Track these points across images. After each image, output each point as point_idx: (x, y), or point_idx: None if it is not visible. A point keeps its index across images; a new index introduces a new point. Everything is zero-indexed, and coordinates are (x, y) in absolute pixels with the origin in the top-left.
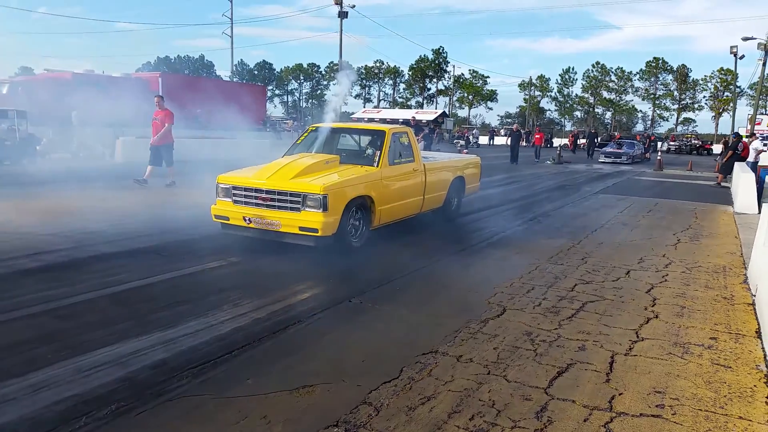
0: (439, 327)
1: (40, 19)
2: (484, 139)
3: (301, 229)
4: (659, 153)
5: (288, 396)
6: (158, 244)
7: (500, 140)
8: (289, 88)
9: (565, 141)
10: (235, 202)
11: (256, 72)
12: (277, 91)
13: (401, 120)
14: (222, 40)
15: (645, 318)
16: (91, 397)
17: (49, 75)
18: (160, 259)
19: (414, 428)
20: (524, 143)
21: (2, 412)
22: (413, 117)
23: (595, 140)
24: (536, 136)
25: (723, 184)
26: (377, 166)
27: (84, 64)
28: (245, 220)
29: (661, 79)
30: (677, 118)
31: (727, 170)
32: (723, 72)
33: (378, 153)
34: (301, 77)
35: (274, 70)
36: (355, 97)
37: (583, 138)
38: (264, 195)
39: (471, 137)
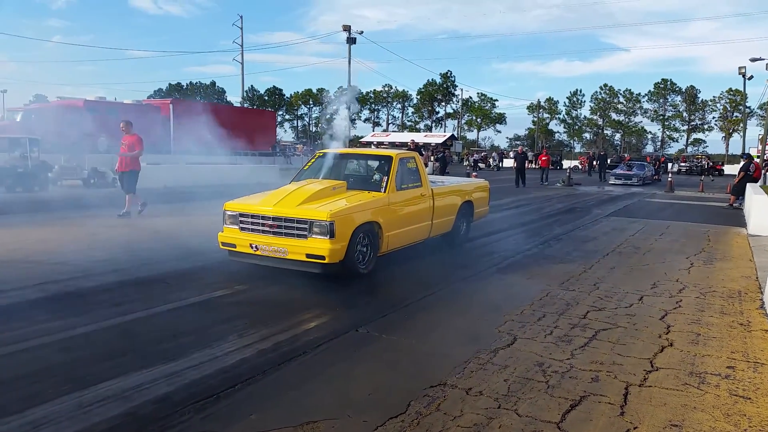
0: (448, 357)
1: (53, 48)
2: (507, 162)
3: (308, 256)
4: (670, 174)
5: None
6: (165, 272)
7: (510, 162)
8: (299, 113)
9: (576, 163)
10: (242, 229)
11: (266, 98)
12: (287, 116)
13: (399, 143)
14: (233, 66)
15: (659, 346)
16: None
17: (62, 102)
18: (166, 287)
19: None
20: (532, 165)
21: None
22: (412, 140)
23: (606, 162)
24: (542, 158)
25: (735, 205)
26: (385, 191)
27: (96, 91)
28: (252, 247)
29: (669, 100)
30: (687, 139)
31: (739, 191)
32: (732, 92)
33: (385, 178)
34: (311, 102)
35: (284, 95)
36: (364, 121)
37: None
38: (271, 222)
39: (492, 160)
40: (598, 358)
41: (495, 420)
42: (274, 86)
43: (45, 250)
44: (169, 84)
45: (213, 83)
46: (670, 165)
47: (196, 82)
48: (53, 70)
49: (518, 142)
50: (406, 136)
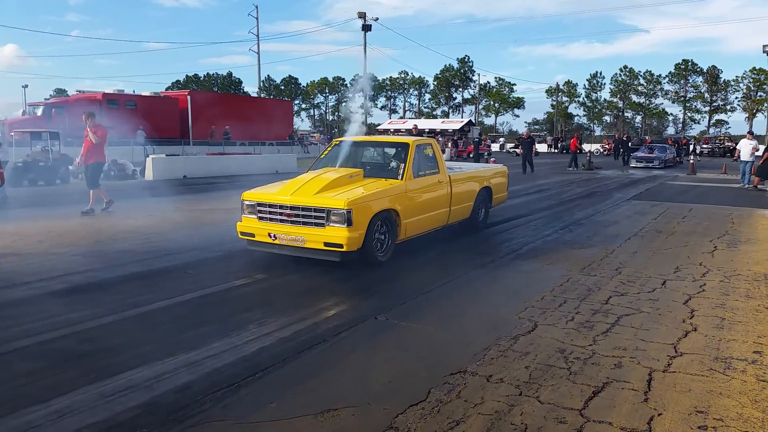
0: (468, 345)
1: (73, 43)
2: (542, 147)
3: (326, 244)
4: (692, 156)
5: (312, 421)
6: (186, 262)
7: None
8: (315, 102)
9: (597, 146)
10: (261, 218)
11: (282, 87)
12: (303, 106)
13: (405, 131)
14: (249, 56)
15: (683, 331)
16: (114, 423)
17: (81, 96)
18: (187, 277)
19: None
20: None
21: None
22: (415, 126)
23: (628, 145)
24: (573, 142)
25: (759, 186)
26: (402, 178)
27: (115, 84)
28: (270, 236)
29: (690, 81)
30: (709, 120)
31: (763, 173)
32: (755, 72)
33: (402, 165)
34: (327, 91)
35: (300, 84)
36: (380, 109)
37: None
38: (288, 211)
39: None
40: (620, 344)
41: (516, 407)
42: (290, 75)
43: (67, 242)
44: (187, 75)
45: (230, 74)
46: (691, 147)
47: (213, 73)
48: (72, 64)
49: (537, 126)
50: (424, 123)
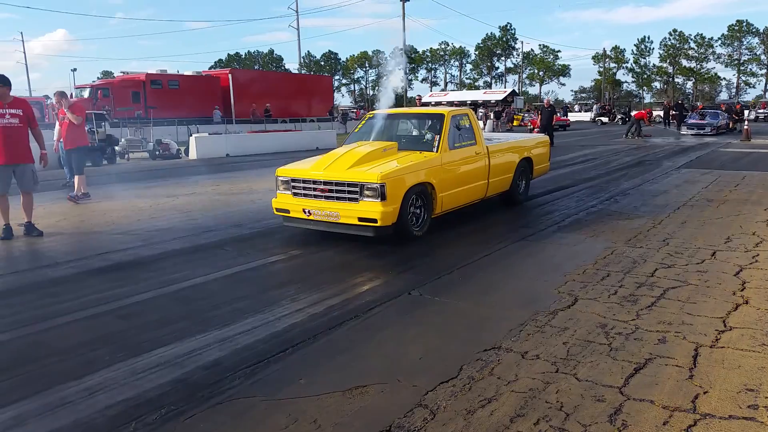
0: (504, 320)
1: (117, 25)
2: (583, 117)
3: (359, 219)
4: (746, 122)
5: (340, 397)
6: (223, 239)
7: (574, 116)
8: (355, 77)
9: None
10: (295, 194)
11: (322, 63)
12: (343, 81)
13: (468, 102)
14: (289, 33)
15: (733, 304)
16: (143, 400)
17: (126, 77)
18: (223, 254)
19: None
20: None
21: (58, 417)
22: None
23: (682, 112)
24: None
25: None
26: (437, 151)
27: (158, 65)
28: (305, 212)
29: (745, 43)
30: (766, 84)
31: None
32: None
33: (437, 137)
34: (367, 65)
35: (340, 59)
36: (421, 81)
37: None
38: (322, 186)
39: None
40: (665, 318)
41: (552, 385)
42: (329, 51)
43: (109, 221)
44: (228, 54)
45: (271, 51)
46: (746, 112)
47: (255, 51)
48: (118, 46)
49: (584, 95)
50: (465, 95)
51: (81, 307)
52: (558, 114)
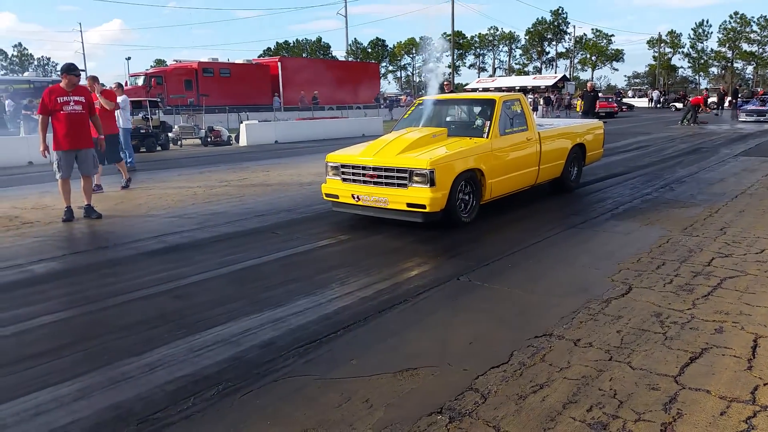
0: (555, 307)
1: (170, 14)
2: (641, 103)
3: (408, 205)
4: None
5: (391, 378)
6: (274, 223)
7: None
8: (402, 64)
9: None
10: (344, 180)
11: (369, 50)
12: (390, 68)
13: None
14: (337, 20)
15: None
16: (201, 377)
17: (178, 65)
18: (275, 238)
19: (524, 419)
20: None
21: (121, 390)
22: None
23: (737, 97)
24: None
25: None
26: (487, 137)
27: (210, 53)
28: (354, 197)
29: None
30: None
31: None
32: None
33: (488, 123)
34: (414, 51)
35: (387, 46)
36: (468, 67)
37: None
38: (371, 172)
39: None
40: (722, 308)
41: (605, 372)
42: (377, 38)
43: (164, 205)
44: (277, 42)
45: (319, 39)
46: None
47: (303, 39)
48: (170, 35)
49: (638, 81)
50: (514, 80)
51: (139, 287)
52: (609, 100)
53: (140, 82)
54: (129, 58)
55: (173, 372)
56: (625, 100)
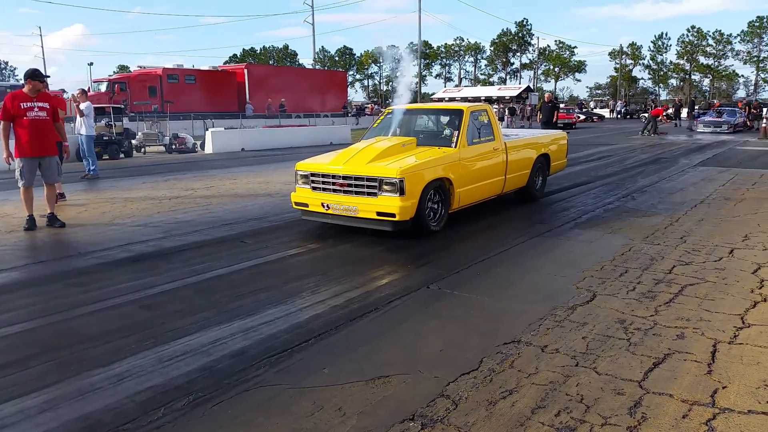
0: (522, 315)
1: (134, 19)
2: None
3: (378, 214)
4: (765, 120)
5: (364, 387)
6: (243, 232)
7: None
8: (369, 72)
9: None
10: (314, 188)
11: (336, 58)
12: (357, 76)
13: (483, 98)
14: (304, 28)
15: (752, 302)
16: (171, 387)
17: (142, 71)
18: (244, 247)
19: (494, 424)
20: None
21: (89, 401)
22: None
23: (694, 109)
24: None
25: None
26: (455, 146)
27: (175, 60)
28: (323, 206)
29: (765, 39)
30: None
31: None
32: None
33: (456, 133)
34: (381, 60)
35: (354, 55)
36: (435, 77)
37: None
38: (341, 181)
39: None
40: (684, 315)
41: (572, 378)
42: (344, 46)
43: (129, 213)
44: (243, 49)
45: (286, 46)
46: (765, 110)
47: (270, 46)
48: (134, 41)
49: (600, 91)
50: (480, 91)
51: (106, 297)
52: (569, 111)
53: (103, 88)
54: (91, 64)
55: (143, 382)
56: (596, 110)
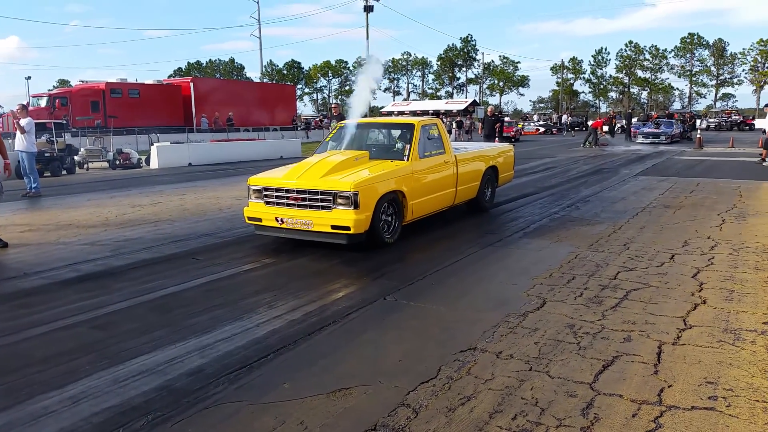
0: (477, 322)
1: (74, 32)
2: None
3: (333, 227)
4: (699, 131)
5: (325, 399)
6: (194, 248)
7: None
8: (318, 86)
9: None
10: (267, 203)
11: (285, 72)
12: (306, 90)
13: (421, 112)
14: (251, 41)
15: (692, 304)
16: (129, 407)
17: (84, 86)
18: (196, 263)
19: (454, 430)
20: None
21: (43, 426)
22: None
23: (630, 121)
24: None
25: None
26: (407, 160)
27: (117, 74)
28: (278, 220)
29: (697, 54)
30: (716, 95)
31: None
32: (763, 43)
33: (408, 147)
34: (330, 74)
35: (303, 68)
36: (384, 91)
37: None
38: (295, 195)
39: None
40: (629, 318)
41: (527, 382)
42: (292, 60)
43: (75, 232)
44: (189, 63)
45: (232, 60)
46: (699, 121)
47: (216, 60)
48: (74, 54)
49: (542, 105)
50: (428, 104)
51: (56, 318)
52: (509, 124)
53: (43, 103)
54: (29, 78)
55: (99, 404)
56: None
